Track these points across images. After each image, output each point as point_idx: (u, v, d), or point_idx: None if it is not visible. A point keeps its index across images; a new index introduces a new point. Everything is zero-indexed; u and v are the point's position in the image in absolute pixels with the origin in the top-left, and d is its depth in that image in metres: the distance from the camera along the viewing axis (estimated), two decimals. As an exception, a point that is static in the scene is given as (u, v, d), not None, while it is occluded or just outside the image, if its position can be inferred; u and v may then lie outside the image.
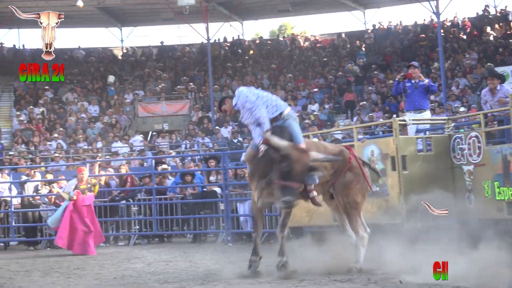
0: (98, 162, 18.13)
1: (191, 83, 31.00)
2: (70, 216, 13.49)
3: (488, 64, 25.12)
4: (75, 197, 13.51)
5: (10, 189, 16.54)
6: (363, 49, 32.02)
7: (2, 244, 16.57)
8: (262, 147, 8.43)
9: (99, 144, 26.09)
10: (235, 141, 22.89)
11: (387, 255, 8.60)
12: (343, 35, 34.07)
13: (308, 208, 10.53)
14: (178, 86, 31.00)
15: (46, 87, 30.93)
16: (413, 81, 12.68)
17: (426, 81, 12.82)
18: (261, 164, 8.51)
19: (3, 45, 34.63)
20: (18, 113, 28.92)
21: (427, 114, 12.82)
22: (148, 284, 8.12)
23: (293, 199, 8.18)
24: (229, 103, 8.88)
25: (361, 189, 9.30)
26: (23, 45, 35.47)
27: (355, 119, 24.46)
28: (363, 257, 8.80)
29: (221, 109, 9.14)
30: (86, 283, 8.65)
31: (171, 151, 24.14)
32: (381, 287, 7.03)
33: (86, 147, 26.02)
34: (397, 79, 13.36)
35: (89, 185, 13.88)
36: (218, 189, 15.58)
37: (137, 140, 25.87)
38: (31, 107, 29.12)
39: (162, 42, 36.38)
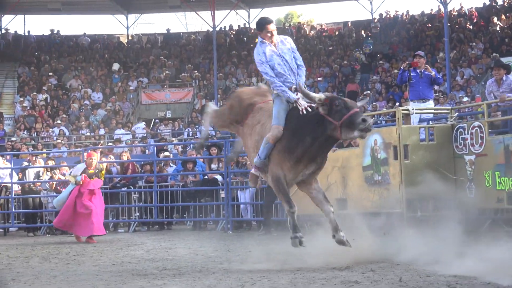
0: (100, 149, 18.08)
1: (196, 71, 30.97)
2: (73, 201, 13.21)
3: (494, 54, 24.96)
4: (81, 182, 13.22)
5: (11, 175, 16.47)
6: (370, 38, 31.92)
7: (1, 230, 16.54)
8: (303, 103, 7.66)
9: (102, 131, 26.12)
10: (238, 129, 22.77)
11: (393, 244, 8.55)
12: (349, 24, 33.97)
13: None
14: (183, 74, 30.98)
15: (50, 74, 30.98)
16: (418, 71, 12.67)
17: (433, 73, 12.79)
18: (297, 135, 7.59)
19: (8, 31, 34.64)
20: (22, 99, 28.99)
21: (430, 104, 12.82)
22: (147, 271, 8.06)
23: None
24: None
25: None
26: (28, 31, 35.49)
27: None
28: None
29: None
30: (85, 269, 8.60)
31: (174, 138, 24.11)
32: (379, 275, 6.92)
33: (88, 134, 26.09)
34: (402, 67, 13.32)
35: (97, 171, 13.60)
36: (219, 177, 15.45)
37: (140, 127, 25.82)
38: (35, 93, 29.25)
39: (168, 30, 36.33)
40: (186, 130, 25.53)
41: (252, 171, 8.04)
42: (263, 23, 8.06)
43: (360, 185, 11.22)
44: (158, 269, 8.14)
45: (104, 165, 14.75)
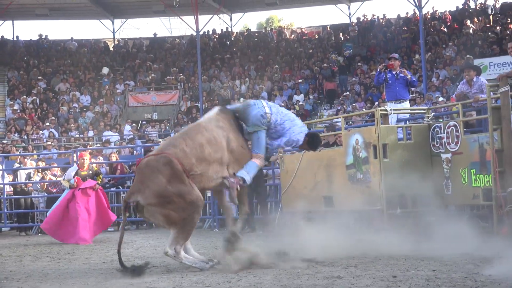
0: (89, 151, 18.50)
1: (181, 74, 31.74)
2: (65, 205, 13.07)
3: (468, 56, 25.73)
4: (75, 184, 13.09)
5: (2, 176, 16.73)
6: (348, 41, 32.71)
7: (-6, 230, 16.79)
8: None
9: (91, 133, 26.72)
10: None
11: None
12: (328, 28, 34.81)
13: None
14: (168, 77, 31.70)
15: (39, 77, 31.63)
16: (394, 72, 13.06)
17: (409, 76, 13.17)
18: None
19: (-3, 36, 35.20)
20: (12, 102, 29.55)
21: (407, 104, 13.13)
22: (136, 268, 8.34)
23: None
24: None
25: None
26: (17, 36, 36.10)
27: (338, 109, 25.11)
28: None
29: None
30: (76, 268, 8.78)
31: (160, 139, 24.64)
32: (361, 270, 7.19)
33: (77, 135, 26.60)
34: (378, 69, 13.75)
35: (90, 172, 13.53)
36: None
37: (127, 129, 26.45)
38: (24, 96, 29.75)
39: (155, 34, 37.06)
40: (173, 131, 26.20)
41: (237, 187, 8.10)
42: None
43: (344, 183, 11.27)
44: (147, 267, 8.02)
45: (102, 169, 15.02)
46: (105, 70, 32.19)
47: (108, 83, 31.31)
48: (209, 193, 15.03)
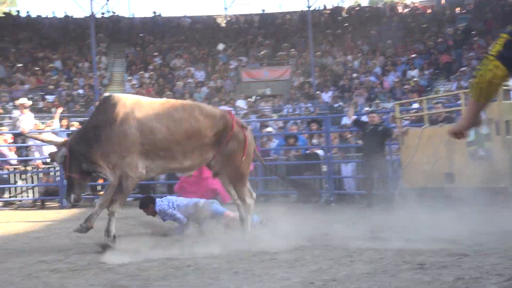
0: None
1: (292, 49, 31.92)
2: None
3: None
4: None
5: None
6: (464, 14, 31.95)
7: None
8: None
9: (206, 107, 27.21)
10: (336, 105, 23.53)
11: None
12: (443, 1, 34.08)
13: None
14: (280, 53, 31.96)
15: (155, 54, 32.60)
16: None
17: None
18: None
19: (115, 14, 36.48)
20: (130, 78, 30.62)
21: None
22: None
23: None
24: None
25: (246, 159, 8.78)
26: (133, 14, 37.42)
27: (455, 85, 24.60)
28: (250, 224, 8.81)
29: None
30: None
31: (274, 114, 24.94)
32: (487, 248, 6.98)
33: (193, 110, 27.15)
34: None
35: None
36: (320, 151, 15.63)
37: (241, 104, 26.89)
38: (142, 72, 30.76)
39: (263, 10, 37.37)
40: (286, 106, 26.47)
41: None
42: None
43: (464, 160, 11.12)
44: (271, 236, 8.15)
45: None
46: (220, 46, 32.75)
47: (224, 58, 31.84)
48: (324, 168, 15.13)
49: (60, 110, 19.58)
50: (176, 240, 8.67)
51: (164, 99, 9.20)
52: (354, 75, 28.18)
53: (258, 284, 5.81)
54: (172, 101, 8.90)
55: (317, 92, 26.97)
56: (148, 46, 33.53)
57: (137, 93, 28.65)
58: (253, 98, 27.98)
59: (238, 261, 6.96)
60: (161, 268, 6.67)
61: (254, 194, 8.91)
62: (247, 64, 31.58)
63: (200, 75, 30.79)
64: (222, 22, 36.75)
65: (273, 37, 33.83)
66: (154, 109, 8.24)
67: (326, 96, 26.49)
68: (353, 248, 7.34)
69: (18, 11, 38.09)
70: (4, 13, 39.66)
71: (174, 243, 8.27)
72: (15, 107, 22.34)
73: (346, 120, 16.54)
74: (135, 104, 8.24)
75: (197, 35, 34.50)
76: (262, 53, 31.87)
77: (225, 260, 7.01)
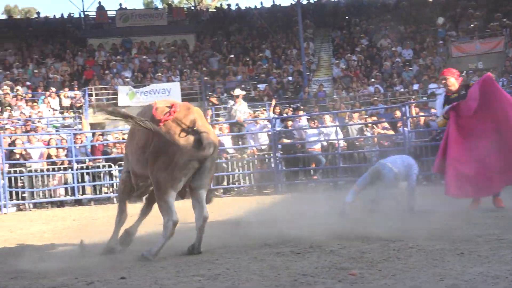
0: (414, 104, 18.57)
1: (505, 19, 30.21)
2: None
3: None
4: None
5: (336, 132, 17.68)
6: None
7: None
8: None
9: (415, 86, 26.81)
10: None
11: None
12: None
13: None
14: (492, 24, 30.41)
15: (361, 35, 32.51)
16: None
17: None
18: None
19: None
20: (337, 61, 30.80)
21: None
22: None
23: None
24: None
25: (166, 162, 6.77)
26: (340, -3, 37.52)
27: None
28: (158, 249, 6.96)
29: None
30: None
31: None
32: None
33: (402, 90, 26.89)
34: None
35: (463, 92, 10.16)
36: None
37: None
38: (349, 55, 30.82)
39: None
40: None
41: None
42: None
43: None
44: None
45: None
46: (440, 20, 31.69)
47: (443, 33, 30.87)
48: None
49: (274, 102, 21.20)
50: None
51: None
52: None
53: (487, 266, 5.61)
54: None
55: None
56: (354, 28, 33.50)
57: (345, 76, 29.02)
58: (464, 73, 26.90)
59: (462, 242, 6.89)
60: (383, 250, 6.71)
61: (176, 218, 7.02)
62: (457, 38, 30.38)
63: (407, 53, 30.21)
64: (428, -2, 35.69)
65: (483, 7, 32.22)
66: None
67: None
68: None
69: (228, 5, 39.77)
70: (216, 7, 41.62)
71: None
72: (230, 97, 23.54)
73: None
74: None
75: (403, 12, 33.83)
76: (472, 25, 30.47)
77: (448, 241, 6.95)
